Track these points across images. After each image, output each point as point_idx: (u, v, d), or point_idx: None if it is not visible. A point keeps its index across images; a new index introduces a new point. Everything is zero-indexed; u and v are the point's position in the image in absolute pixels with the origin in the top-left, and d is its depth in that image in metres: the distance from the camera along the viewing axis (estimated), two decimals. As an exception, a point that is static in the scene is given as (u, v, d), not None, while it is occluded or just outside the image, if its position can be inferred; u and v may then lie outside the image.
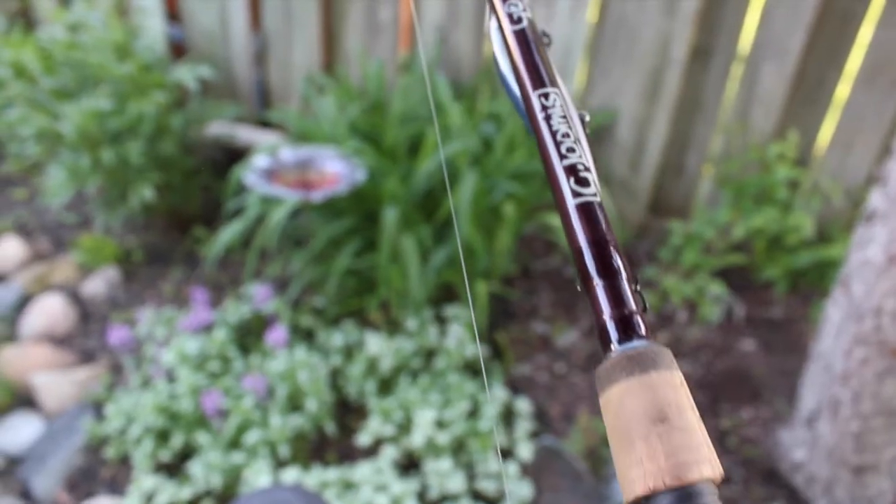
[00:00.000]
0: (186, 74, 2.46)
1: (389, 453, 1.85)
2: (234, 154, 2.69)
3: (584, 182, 0.36)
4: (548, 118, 0.38)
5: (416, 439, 1.84)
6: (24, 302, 2.40)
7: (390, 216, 1.98)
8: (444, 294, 2.23)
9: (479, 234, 2.06)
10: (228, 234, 2.15)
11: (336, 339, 2.09)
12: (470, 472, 1.86)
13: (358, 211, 2.16)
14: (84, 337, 2.33)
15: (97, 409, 2.06)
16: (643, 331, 0.34)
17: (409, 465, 1.89)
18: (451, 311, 2.17)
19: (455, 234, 2.04)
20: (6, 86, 2.45)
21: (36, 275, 2.50)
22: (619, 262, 0.35)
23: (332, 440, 1.97)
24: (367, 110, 2.41)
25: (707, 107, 2.33)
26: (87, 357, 2.26)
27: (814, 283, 2.36)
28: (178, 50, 2.91)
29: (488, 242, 2.15)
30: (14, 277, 2.51)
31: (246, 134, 2.77)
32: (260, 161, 2.08)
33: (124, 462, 1.95)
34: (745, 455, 1.97)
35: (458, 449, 1.89)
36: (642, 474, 0.30)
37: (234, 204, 2.27)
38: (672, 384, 0.32)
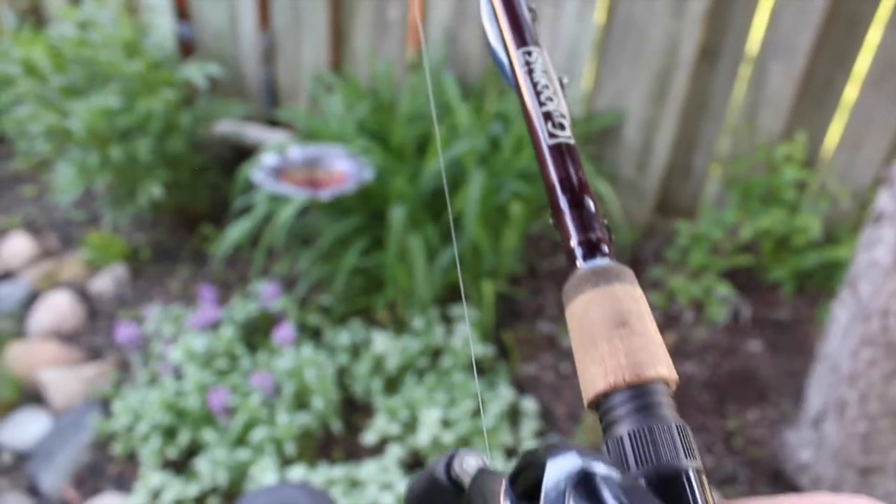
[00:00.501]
0: (195, 72, 2.47)
1: (395, 452, 1.85)
2: (242, 152, 2.69)
3: (560, 126, 0.38)
4: (530, 71, 0.41)
5: (422, 438, 1.84)
6: (32, 298, 2.41)
7: (397, 215, 1.99)
8: (451, 294, 2.24)
9: (486, 233, 2.07)
10: (236, 231, 2.16)
11: (343, 337, 2.10)
12: (476, 471, 1.86)
13: (365, 210, 2.17)
14: (92, 334, 2.34)
15: (104, 405, 2.07)
16: (608, 252, 0.36)
17: (415, 463, 1.89)
18: (457, 310, 2.17)
19: (461, 234, 2.05)
20: (16, 83, 2.46)
21: (44, 272, 2.51)
22: (587, 197, 0.37)
23: (339, 438, 1.97)
24: (375, 109, 2.41)
25: (714, 108, 2.33)
26: (94, 354, 2.27)
27: (821, 284, 2.36)
28: (187, 48, 2.92)
29: (495, 242, 2.15)
30: (22, 274, 2.52)
31: (254, 132, 2.78)
32: (268, 159, 2.09)
33: (131, 459, 1.95)
34: (751, 456, 1.97)
35: (463, 447, 1.89)
36: (603, 371, 0.32)
37: (242, 202, 2.27)
38: (633, 296, 0.34)
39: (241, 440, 1.89)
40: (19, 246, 2.62)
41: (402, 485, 1.75)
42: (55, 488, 1.90)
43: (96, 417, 2.00)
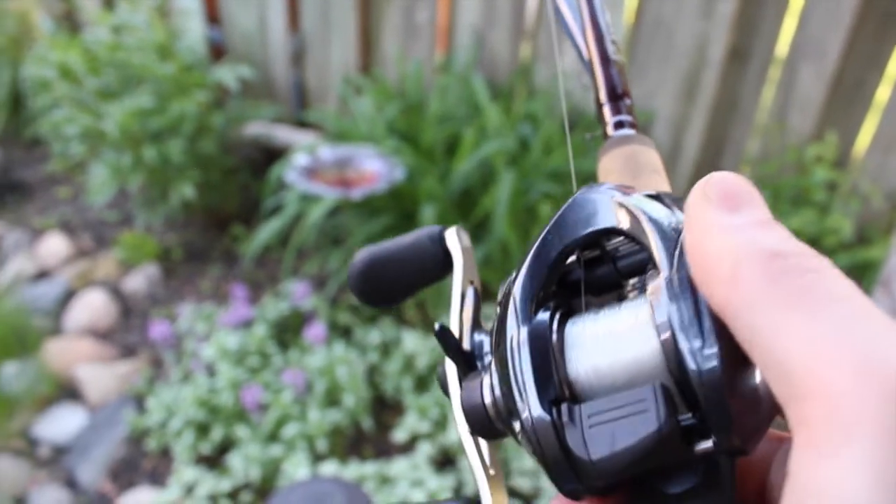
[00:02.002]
0: (227, 74, 2.51)
1: (425, 449, 1.87)
2: (272, 154, 2.73)
3: (615, 51, 0.45)
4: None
5: (453, 436, 1.85)
6: (67, 297, 2.45)
7: (427, 215, 2.00)
8: (482, 293, 2.25)
9: (515, 233, 2.08)
10: (267, 231, 2.19)
11: (373, 336, 2.12)
12: (505, 469, 1.87)
13: (395, 210, 2.19)
14: (125, 332, 2.38)
15: (138, 401, 2.10)
16: (634, 127, 0.43)
17: (445, 461, 1.91)
18: (486, 309, 2.19)
19: (490, 234, 2.06)
20: (52, 87, 2.51)
21: (79, 271, 2.56)
22: (627, 98, 0.44)
23: (369, 435, 1.99)
24: (405, 110, 2.43)
25: (744, 108, 2.33)
26: (128, 351, 2.30)
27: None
28: (217, 51, 2.96)
29: (524, 242, 2.17)
30: (58, 273, 2.56)
31: (283, 134, 2.81)
32: (300, 159, 2.11)
33: (165, 454, 1.98)
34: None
35: (493, 446, 1.90)
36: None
37: (272, 202, 2.30)
38: (650, 156, 0.41)
39: (273, 436, 1.91)
40: (55, 246, 2.67)
41: (432, 482, 1.76)
42: (92, 481, 1.93)
43: (131, 413, 2.03)
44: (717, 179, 0.26)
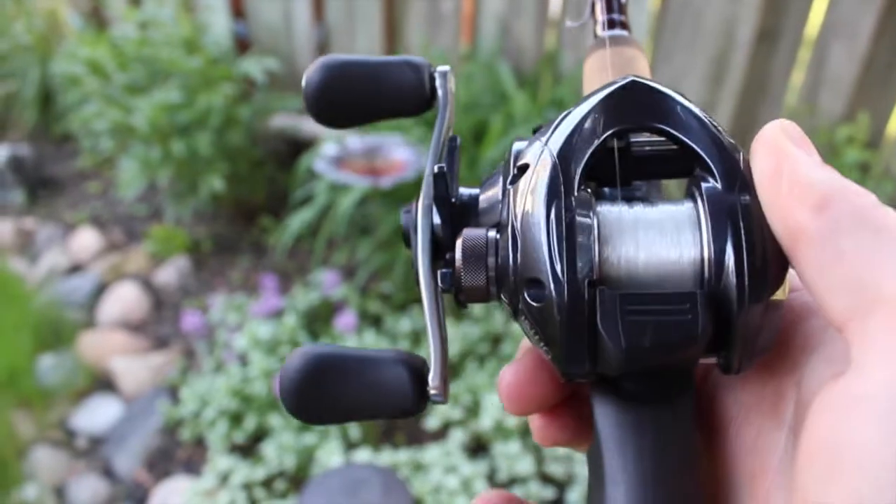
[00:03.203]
0: (253, 67, 2.52)
1: (458, 436, 1.87)
2: (298, 145, 2.74)
3: None
4: None
5: (485, 423, 1.86)
6: (100, 290, 2.49)
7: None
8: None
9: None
10: (298, 221, 2.20)
11: (403, 324, 2.13)
12: (538, 456, 1.87)
13: (423, 198, 2.19)
14: (158, 323, 2.40)
15: (172, 392, 2.12)
16: (626, 29, 0.43)
17: (478, 447, 1.91)
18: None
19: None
20: (82, 82, 2.54)
21: (111, 264, 2.59)
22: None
23: (401, 423, 2.00)
24: (431, 99, 2.43)
25: (773, 90, 2.30)
26: (161, 343, 2.33)
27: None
28: (242, 45, 2.97)
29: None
30: (91, 267, 2.60)
31: (309, 125, 2.82)
32: (329, 149, 2.12)
33: (199, 443, 2.01)
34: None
35: (526, 432, 1.91)
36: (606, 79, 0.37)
37: (302, 193, 2.31)
38: (636, 56, 0.41)
39: (306, 425, 1.92)
40: (87, 240, 2.70)
41: (465, 468, 1.77)
42: (128, 471, 1.96)
43: (165, 403, 2.06)
44: (791, 124, 0.28)
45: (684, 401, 0.30)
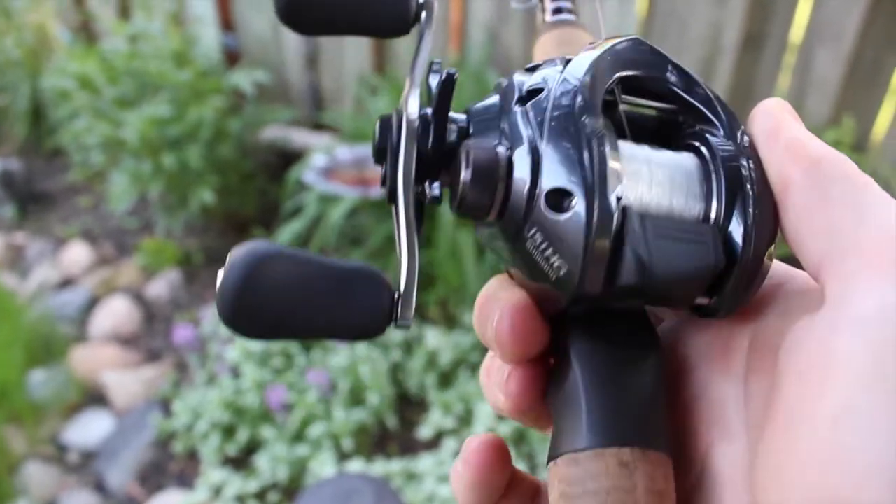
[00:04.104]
0: (243, 79, 2.53)
1: (451, 445, 1.87)
2: (289, 157, 2.74)
3: None
4: None
5: (478, 431, 1.86)
6: (91, 304, 2.48)
7: (446, 212, 2.01)
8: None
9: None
10: (288, 233, 2.20)
11: (395, 334, 2.12)
12: (531, 463, 1.87)
13: (413, 208, 2.19)
14: (149, 337, 2.40)
15: (164, 405, 2.12)
16: (574, 14, 0.44)
17: (471, 456, 1.90)
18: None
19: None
20: (72, 97, 2.54)
21: (102, 278, 2.59)
22: None
23: (394, 433, 2.00)
24: (420, 109, 2.44)
25: (760, 94, 2.31)
26: (153, 356, 2.33)
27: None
28: (232, 57, 2.98)
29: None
30: (82, 281, 2.59)
31: (300, 137, 2.83)
32: (318, 160, 2.13)
33: (192, 456, 2.00)
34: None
35: (518, 440, 1.91)
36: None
37: (292, 205, 2.31)
38: (581, 36, 0.42)
39: (299, 436, 1.92)
40: (78, 254, 2.70)
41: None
42: (120, 485, 1.95)
43: (157, 417, 2.05)
44: (787, 103, 0.32)
45: (656, 349, 0.31)
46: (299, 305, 0.28)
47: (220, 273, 0.27)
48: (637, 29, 2.34)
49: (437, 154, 0.32)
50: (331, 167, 2.10)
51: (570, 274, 0.28)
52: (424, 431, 1.92)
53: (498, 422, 1.87)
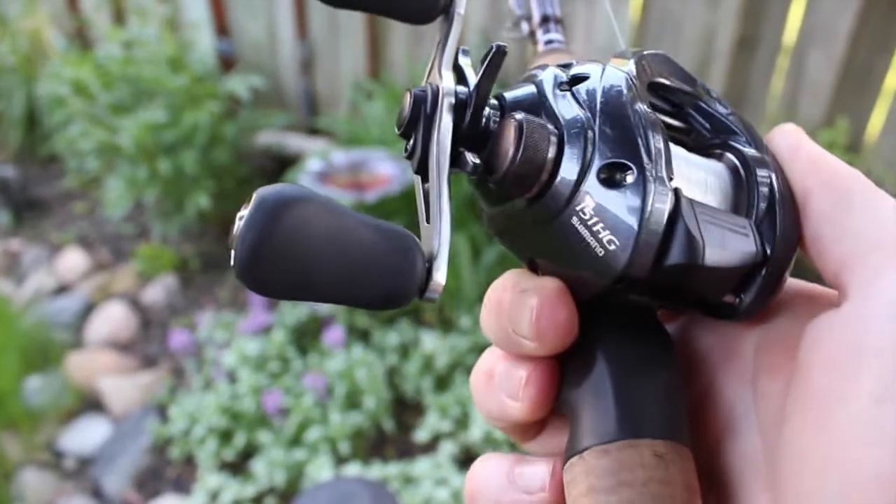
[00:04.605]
0: (238, 84, 2.53)
1: (448, 448, 1.87)
2: (284, 162, 2.74)
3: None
4: None
5: (474, 434, 1.86)
6: (88, 310, 2.48)
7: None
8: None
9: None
10: (283, 237, 2.20)
11: (391, 338, 2.13)
12: (528, 466, 1.87)
13: (409, 211, 2.20)
14: (146, 342, 2.40)
15: (161, 411, 2.12)
16: (563, 39, 0.44)
17: (468, 459, 1.91)
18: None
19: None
20: (67, 103, 2.54)
21: (98, 284, 2.59)
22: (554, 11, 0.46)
23: (391, 436, 2.00)
24: (415, 113, 2.44)
25: (754, 97, 2.33)
26: (149, 362, 2.32)
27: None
28: (227, 62, 2.98)
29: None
30: (78, 287, 2.59)
31: (295, 142, 2.83)
32: (313, 164, 2.13)
33: (189, 462, 2.00)
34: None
35: (511, 441, 1.91)
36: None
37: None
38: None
39: (295, 440, 1.92)
40: (74, 260, 2.70)
41: (456, 480, 1.76)
42: (117, 491, 1.95)
43: (154, 422, 2.05)
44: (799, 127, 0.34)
45: (672, 346, 0.32)
46: (328, 260, 0.25)
47: (241, 216, 0.24)
48: (631, 33, 2.35)
49: (471, 133, 0.31)
50: (326, 172, 2.10)
51: (621, 250, 0.28)
52: (421, 435, 1.92)
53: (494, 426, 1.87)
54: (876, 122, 2.25)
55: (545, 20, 0.45)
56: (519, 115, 0.29)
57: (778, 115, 2.32)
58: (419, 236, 0.29)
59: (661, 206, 0.27)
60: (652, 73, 0.32)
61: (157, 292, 2.55)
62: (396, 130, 0.32)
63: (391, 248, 0.27)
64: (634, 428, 0.28)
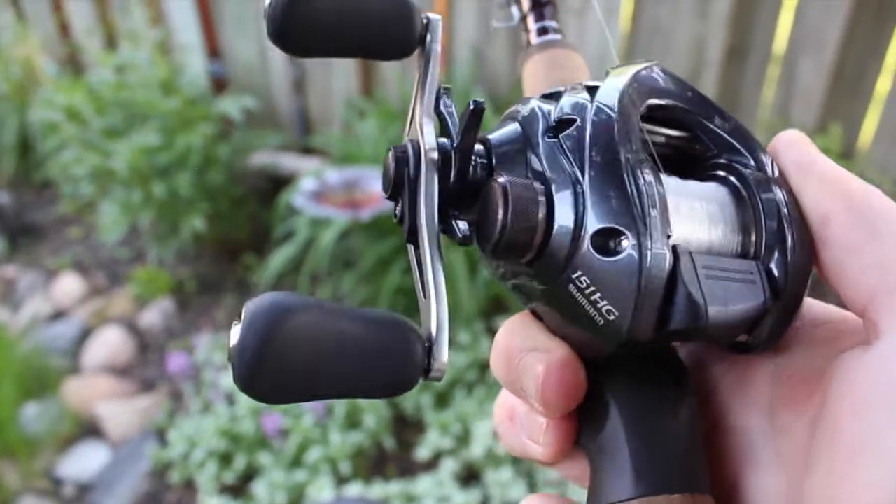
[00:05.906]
0: (231, 106, 2.53)
1: (449, 466, 1.86)
2: (279, 182, 2.74)
3: None
4: None
5: (476, 451, 1.84)
6: (84, 335, 2.47)
7: (437, 231, 2.01)
8: (495, 306, 2.25)
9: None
10: (280, 257, 2.20)
11: (390, 355, 2.11)
12: (531, 481, 1.86)
13: (404, 228, 2.19)
14: (143, 366, 2.38)
15: (160, 435, 2.10)
16: (559, 33, 0.43)
17: (469, 476, 1.90)
18: (502, 322, 2.18)
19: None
20: (60, 129, 2.54)
21: (94, 309, 2.57)
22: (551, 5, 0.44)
23: (392, 455, 1.98)
24: (408, 130, 2.44)
25: (746, 106, 2.33)
26: (147, 386, 2.31)
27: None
28: (220, 84, 2.99)
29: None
30: (74, 312, 2.58)
31: (289, 161, 2.83)
32: (307, 184, 2.13)
33: (189, 486, 1.98)
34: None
35: (517, 458, 1.90)
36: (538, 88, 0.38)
37: (283, 229, 2.31)
38: (570, 56, 0.41)
39: (296, 461, 1.91)
40: (69, 286, 2.69)
41: (458, 498, 1.75)
42: (118, 518, 1.93)
43: (153, 447, 2.03)
44: (803, 133, 0.32)
45: (687, 381, 0.31)
46: (329, 365, 0.25)
47: (235, 331, 0.24)
48: (621, 43, 2.36)
49: (459, 190, 0.30)
50: (321, 190, 2.10)
51: (621, 319, 0.27)
52: (422, 452, 1.91)
53: (496, 442, 1.86)
54: (868, 127, 2.25)
55: (537, 4, 0.43)
56: (502, 179, 0.28)
57: (771, 122, 2.33)
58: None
59: (660, 272, 0.27)
60: (647, 94, 0.31)
61: (154, 316, 2.54)
62: (383, 194, 0.32)
63: (387, 340, 0.26)
64: (651, 485, 0.27)
